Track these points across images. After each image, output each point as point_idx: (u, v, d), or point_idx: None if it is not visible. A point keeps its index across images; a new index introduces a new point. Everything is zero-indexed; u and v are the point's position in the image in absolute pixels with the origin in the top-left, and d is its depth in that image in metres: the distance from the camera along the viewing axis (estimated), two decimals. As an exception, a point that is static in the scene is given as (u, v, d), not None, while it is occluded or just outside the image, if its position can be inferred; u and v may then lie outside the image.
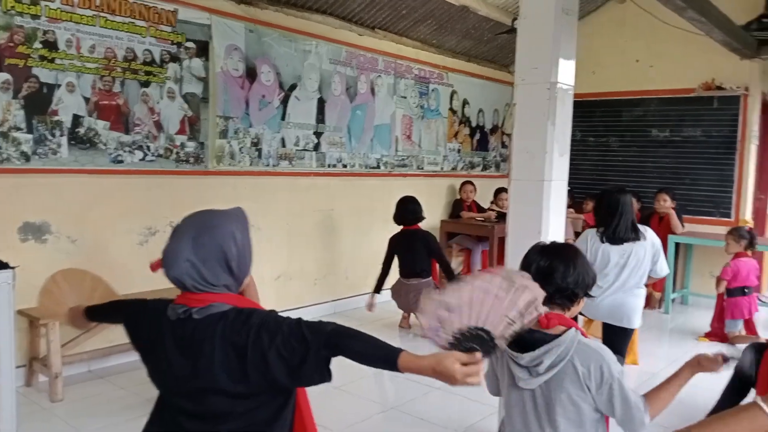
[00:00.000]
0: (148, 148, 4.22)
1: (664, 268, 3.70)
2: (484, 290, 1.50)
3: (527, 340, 2.01)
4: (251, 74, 4.80)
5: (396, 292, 5.09)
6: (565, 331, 2.00)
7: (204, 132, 4.52)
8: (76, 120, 3.87)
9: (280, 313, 1.53)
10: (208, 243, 1.48)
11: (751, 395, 3.10)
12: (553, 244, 2.17)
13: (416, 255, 4.96)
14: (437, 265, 5.21)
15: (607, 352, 2.06)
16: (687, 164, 6.66)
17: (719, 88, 6.38)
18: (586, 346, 2.01)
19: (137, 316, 1.66)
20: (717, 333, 5.02)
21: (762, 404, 0.89)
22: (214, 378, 1.44)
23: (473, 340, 1.44)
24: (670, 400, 2.12)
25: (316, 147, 5.35)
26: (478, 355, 1.39)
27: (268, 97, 4.93)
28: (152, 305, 1.64)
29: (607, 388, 1.98)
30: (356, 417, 3.43)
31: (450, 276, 5.00)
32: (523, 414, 2.09)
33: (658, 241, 3.67)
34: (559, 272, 2.00)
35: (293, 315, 1.54)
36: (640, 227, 3.65)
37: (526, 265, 2.08)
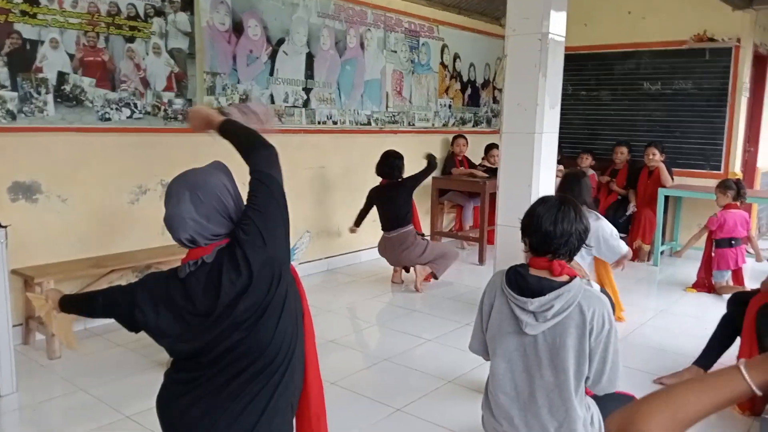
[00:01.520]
0: (136, 105, 4.17)
1: (608, 255, 3.68)
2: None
3: (535, 288, 2.06)
4: (238, 29, 4.71)
5: (382, 248, 5.13)
6: (571, 279, 2.06)
7: (191, 88, 4.46)
8: (62, 77, 3.80)
9: None
10: (206, 199, 1.55)
11: (738, 343, 3.18)
12: (561, 198, 2.20)
13: (394, 206, 4.99)
14: (417, 212, 5.31)
15: (608, 302, 2.12)
16: (678, 117, 6.65)
17: (711, 39, 6.33)
18: (591, 292, 2.08)
19: (128, 305, 1.64)
20: (704, 283, 5.11)
21: (743, 370, 0.86)
22: (233, 302, 1.53)
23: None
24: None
25: (306, 103, 5.30)
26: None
27: (255, 52, 4.85)
28: (149, 287, 1.65)
29: (605, 335, 2.05)
30: (350, 369, 3.50)
31: (430, 165, 5.15)
32: (524, 360, 2.15)
33: (606, 230, 3.63)
34: (578, 226, 2.07)
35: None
36: (593, 215, 3.53)
37: (537, 221, 2.10)
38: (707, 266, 5.08)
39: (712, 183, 5.56)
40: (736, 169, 6.42)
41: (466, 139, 6.72)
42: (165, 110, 4.32)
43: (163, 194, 4.28)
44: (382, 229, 5.07)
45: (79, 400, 3.08)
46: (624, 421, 0.91)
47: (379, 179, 5.12)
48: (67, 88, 3.84)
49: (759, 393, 0.82)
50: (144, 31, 4.16)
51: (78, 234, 3.95)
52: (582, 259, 3.48)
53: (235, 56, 4.71)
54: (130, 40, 4.10)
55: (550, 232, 2.05)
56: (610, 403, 2.18)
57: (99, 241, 4.05)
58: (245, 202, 1.62)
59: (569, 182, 3.69)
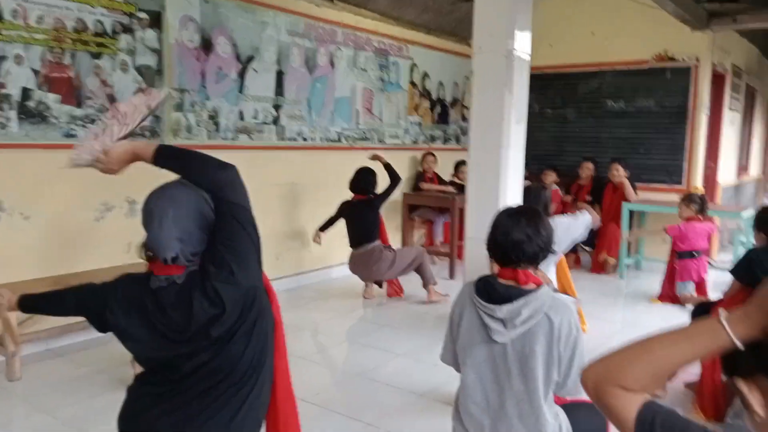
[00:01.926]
0: (102, 121, 4.11)
1: (581, 234, 3.72)
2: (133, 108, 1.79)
3: (504, 296, 2.08)
4: (207, 46, 4.71)
5: (353, 265, 5.13)
6: (538, 287, 2.09)
7: (159, 105, 4.42)
8: (26, 93, 3.75)
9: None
10: (187, 215, 1.53)
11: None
12: (524, 208, 2.25)
13: (363, 222, 5.02)
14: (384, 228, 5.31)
15: (575, 309, 2.16)
16: (641, 134, 6.83)
17: (671, 59, 6.55)
18: (559, 299, 2.12)
19: (99, 303, 1.64)
20: (668, 294, 5.22)
21: (725, 323, 0.84)
22: (204, 324, 1.52)
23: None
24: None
25: (276, 120, 5.31)
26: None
27: (225, 69, 4.85)
28: (121, 287, 1.64)
29: (573, 341, 2.08)
30: (320, 385, 3.47)
31: (394, 179, 5.12)
32: (493, 369, 2.17)
33: (563, 222, 3.63)
34: (543, 233, 2.11)
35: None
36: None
37: (502, 231, 2.13)
38: (671, 278, 5.19)
39: (675, 197, 5.70)
40: (698, 183, 6.60)
41: (434, 156, 6.79)
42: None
43: (129, 211, 4.21)
44: (351, 246, 5.08)
45: (41, 422, 2.99)
46: (601, 373, 0.91)
47: (352, 194, 5.14)
48: (32, 104, 3.78)
49: (740, 347, 0.82)
50: (111, 48, 4.13)
51: (41, 252, 3.87)
52: (546, 267, 3.54)
53: (204, 73, 4.70)
54: (97, 56, 4.07)
55: (513, 241, 2.08)
56: (579, 412, 2.20)
57: (63, 260, 3.96)
58: (217, 232, 1.56)
59: (529, 195, 3.75)
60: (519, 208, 2.24)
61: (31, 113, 3.78)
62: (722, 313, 0.85)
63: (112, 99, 4.15)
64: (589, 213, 3.77)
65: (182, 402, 1.56)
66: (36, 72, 3.78)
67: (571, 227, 3.64)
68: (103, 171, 1.66)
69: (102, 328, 1.65)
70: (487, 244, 2.20)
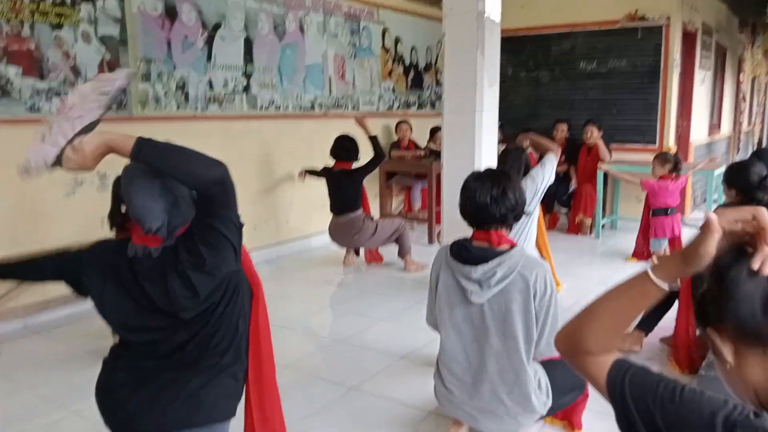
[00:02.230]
0: (66, 94, 4.00)
1: (549, 174, 3.70)
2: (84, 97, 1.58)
3: (478, 257, 2.11)
4: (171, 14, 4.58)
5: (332, 232, 5.11)
6: (512, 248, 2.12)
7: (126, 76, 4.31)
8: (-16, 67, 3.63)
9: None
10: (174, 188, 1.50)
11: (676, 305, 3.31)
12: (493, 171, 2.27)
13: (345, 191, 4.97)
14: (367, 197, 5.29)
15: (548, 267, 2.19)
16: (614, 95, 6.86)
17: (642, 18, 6.54)
18: (532, 258, 2.16)
19: (74, 267, 1.63)
20: (643, 252, 5.31)
21: (651, 275, 0.90)
22: (176, 298, 1.51)
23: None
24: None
25: (246, 89, 5.22)
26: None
27: (191, 37, 4.73)
28: (97, 252, 1.63)
29: (547, 299, 2.11)
30: (303, 352, 3.50)
31: (379, 156, 5.01)
32: (472, 329, 2.20)
33: (531, 176, 3.67)
34: (511, 195, 2.13)
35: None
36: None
37: (471, 194, 2.16)
38: (645, 234, 5.28)
39: (649, 157, 5.76)
40: (671, 143, 6.68)
41: (408, 123, 6.74)
42: (99, 99, 4.17)
43: (101, 185, 4.13)
44: (331, 211, 5.05)
45: (21, 398, 2.97)
46: (565, 345, 0.97)
47: (333, 162, 5.08)
48: (-8, 78, 3.66)
49: (668, 290, 0.89)
50: (71, 18, 3.99)
51: (11, 230, 3.79)
52: (527, 225, 3.57)
53: (170, 42, 4.58)
54: (58, 27, 3.93)
55: (479, 204, 2.12)
56: (557, 369, 2.25)
57: (34, 236, 3.88)
58: (197, 230, 1.51)
59: (508, 157, 3.75)
60: (486, 171, 2.26)
61: (-9, 87, 3.66)
62: (649, 264, 0.92)
63: (75, 71, 4.04)
64: (550, 149, 3.72)
65: (156, 378, 1.55)
66: (-6, 44, 3.65)
67: (535, 177, 3.62)
68: (75, 170, 1.50)
69: (81, 293, 1.64)
70: (459, 207, 2.22)
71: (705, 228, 0.87)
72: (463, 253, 2.17)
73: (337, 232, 5.08)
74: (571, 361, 0.97)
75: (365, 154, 5.00)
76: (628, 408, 0.86)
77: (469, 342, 2.23)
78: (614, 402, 0.89)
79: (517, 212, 2.17)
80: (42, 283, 1.74)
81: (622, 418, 0.87)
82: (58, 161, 1.47)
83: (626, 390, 0.87)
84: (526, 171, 3.71)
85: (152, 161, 1.44)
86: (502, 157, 3.80)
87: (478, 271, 2.10)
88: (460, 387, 2.27)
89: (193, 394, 1.52)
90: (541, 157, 3.73)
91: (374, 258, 5.29)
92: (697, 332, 3.14)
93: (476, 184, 2.16)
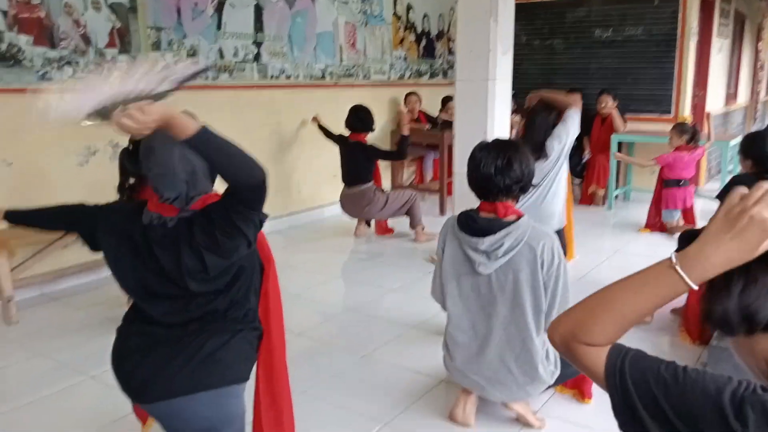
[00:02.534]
0: (78, 63, 4.00)
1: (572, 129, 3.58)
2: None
3: (485, 228, 2.10)
4: (182, -19, 4.53)
5: (343, 203, 5.12)
6: (518, 218, 2.11)
7: (135, 44, 4.29)
8: (-5, 35, 3.61)
9: None
10: (192, 157, 1.49)
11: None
12: (500, 141, 2.24)
13: (357, 164, 4.96)
14: (380, 169, 5.28)
15: (556, 237, 2.18)
16: (629, 64, 6.74)
17: (660, -16, 6.38)
18: (539, 228, 2.15)
19: (90, 223, 1.64)
20: (655, 223, 5.28)
21: (679, 269, 0.82)
22: (188, 270, 1.51)
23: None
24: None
25: (257, 58, 5.17)
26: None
27: (200, 5, 4.68)
28: (113, 211, 1.65)
29: (555, 268, 2.11)
30: (315, 321, 3.53)
31: (399, 155, 5.08)
32: (479, 299, 2.21)
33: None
34: (516, 165, 2.11)
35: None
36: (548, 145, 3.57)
37: (476, 165, 2.15)
38: (657, 206, 5.24)
39: (663, 127, 5.69)
40: (686, 112, 6.58)
41: (417, 95, 6.64)
42: (109, 68, 4.15)
43: (113, 155, 4.16)
44: (343, 182, 5.04)
45: (40, 364, 3.03)
46: (566, 333, 0.89)
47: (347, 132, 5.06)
48: (3, 46, 3.65)
49: (695, 288, 0.82)
50: (82, -15, 3.96)
51: (26, 199, 3.81)
52: (556, 180, 3.53)
53: (180, 10, 4.54)
54: (68, -6, 3.90)
55: (488, 175, 2.10)
56: None
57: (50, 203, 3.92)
58: (217, 218, 1.49)
59: (538, 118, 3.54)
60: (493, 141, 2.24)
61: (2, 56, 3.65)
62: (674, 256, 0.83)
63: (86, 39, 4.02)
64: (568, 104, 3.49)
65: (170, 347, 1.56)
66: (4, 13, 3.63)
67: (560, 135, 3.44)
68: (127, 129, 1.33)
69: (93, 247, 1.65)
70: (467, 178, 2.22)
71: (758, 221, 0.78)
72: (470, 224, 2.17)
73: (347, 203, 5.08)
74: (568, 351, 0.89)
75: (379, 125, 4.99)
76: (629, 393, 0.82)
77: (476, 312, 2.25)
78: (613, 388, 0.84)
79: (523, 184, 2.15)
80: (53, 231, 1.75)
81: (621, 406, 0.83)
82: (99, 115, 1.36)
83: (626, 374, 0.83)
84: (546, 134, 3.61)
85: (206, 152, 1.39)
86: (530, 117, 3.63)
87: (485, 242, 2.10)
88: (467, 356, 2.29)
89: (208, 356, 1.53)
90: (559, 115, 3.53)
91: (384, 230, 5.30)
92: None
93: (482, 154, 2.15)
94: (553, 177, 3.44)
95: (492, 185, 2.11)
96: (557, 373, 2.27)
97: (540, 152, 3.54)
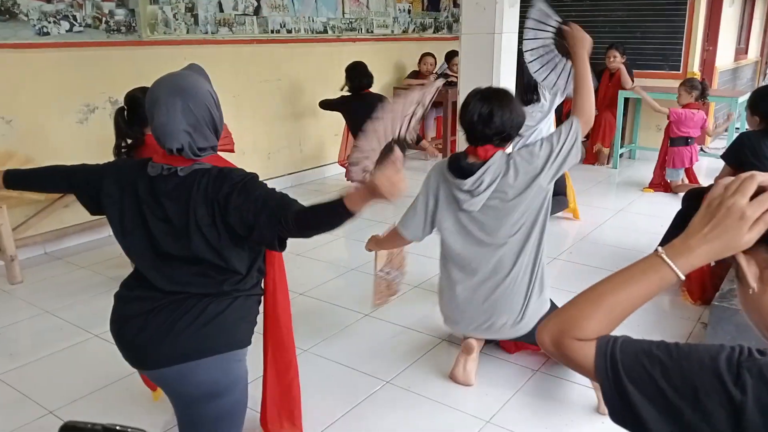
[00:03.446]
0: (75, 17, 3.91)
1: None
2: (388, 119, 1.64)
3: (467, 170, 2.22)
4: (179, -70, 4.38)
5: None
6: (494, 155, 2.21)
7: (133, -2, 4.19)
8: (-11, -12, 3.52)
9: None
10: (196, 109, 1.47)
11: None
12: (490, 89, 2.27)
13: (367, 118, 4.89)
14: None
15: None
16: (638, 18, 6.57)
17: (673, -68, 6.16)
18: (514, 153, 2.25)
19: (94, 180, 1.61)
20: (661, 182, 5.24)
21: (668, 260, 0.82)
22: (196, 227, 1.50)
23: (386, 152, 1.59)
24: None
25: (257, 11, 5.05)
26: (396, 154, 1.51)
27: (200, -44, 4.54)
28: (117, 167, 1.62)
29: (558, 144, 2.23)
30: (318, 280, 3.54)
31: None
32: (467, 236, 2.32)
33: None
34: (497, 116, 2.18)
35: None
36: (540, 91, 3.66)
37: (466, 111, 2.23)
38: (663, 165, 5.19)
39: (671, 83, 5.58)
40: (695, 68, 6.44)
41: (434, 57, 6.48)
42: (107, 22, 4.06)
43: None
44: (353, 135, 4.95)
45: (46, 322, 3.06)
46: (557, 331, 0.88)
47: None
48: (-3, 0, 3.56)
49: (683, 277, 0.82)
50: (75, -65, 3.83)
51: (26, 156, 3.79)
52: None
53: (178, -39, 4.41)
54: (61, -56, 3.78)
55: (473, 122, 2.18)
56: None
57: (51, 162, 3.89)
58: (234, 220, 1.49)
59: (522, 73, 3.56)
60: (485, 89, 2.28)
61: (-3, 10, 3.57)
62: (661, 250, 0.83)
63: (82, -8, 3.91)
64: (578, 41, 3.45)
65: (171, 311, 1.54)
66: (-3, -36, 3.53)
67: (555, 97, 3.68)
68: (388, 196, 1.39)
69: (95, 208, 1.63)
70: (459, 123, 2.32)
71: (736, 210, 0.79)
72: (456, 166, 2.27)
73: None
74: (558, 349, 0.87)
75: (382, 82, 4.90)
76: (620, 379, 0.80)
77: (470, 246, 2.32)
78: (605, 377, 0.82)
79: (504, 134, 2.21)
80: (54, 192, 1.73)
81: (612, 394, 0.81)
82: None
83: (618, 360, 0.81)
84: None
85: (333, 224, 1.50)
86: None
87: (467, 183, 2.20)
88: (467, 292, 2.36)
89: (210, 320, 1.52)
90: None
91: None
92: (711, 263, 3.13)
93: (472, 100, 2.22)
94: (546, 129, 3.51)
95: (476, 131, 2.20)
96: (548, 306, 2.37)
97: (532, 94, 3.62)
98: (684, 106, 4.96)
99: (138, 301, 1.57)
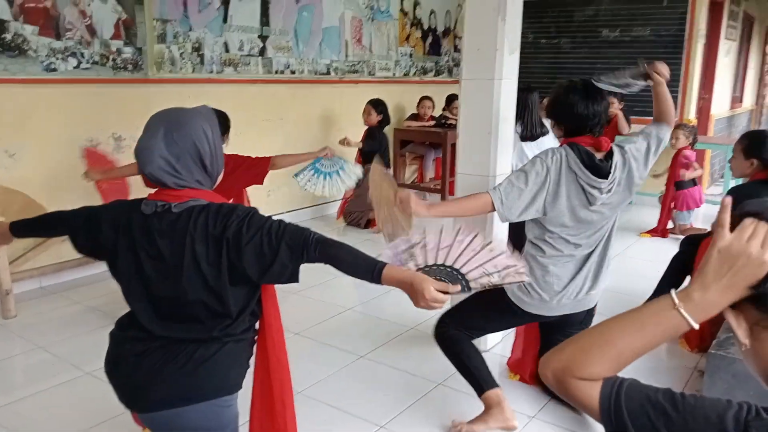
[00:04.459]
0: (83, 54, 3.98)
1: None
2: (457, 240, 1.56)
3: (602, 169, 2.25)
4: (188, -27, 4.50)
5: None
6: (611, 151, 2.31)
7: (141, 36, 4.27)
8: (2, 25, 3.60)
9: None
10: (180, 139, 1.47)
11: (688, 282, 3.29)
12: (583, 82, 2.39)
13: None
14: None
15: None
16: (635, 64, 6.69)
17: (669, -15, 6.34)
18: (620, 142, 2.42)
19: (93, 223, 1.60)
20: (659, 229, 5.26)
21: (681, 308, 0.81)
22: (193, 265, 1.47)
23: (442, 274, 1.52)
24: None
25: (262, 52, 5.15)
26: (454, 287, 1.49)
27: (208, -2, 4.66)
28: (113, 208, 1.62)
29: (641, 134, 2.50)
30: (314, 319, 3.52)
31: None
32: (593, 227, 2.34)
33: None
34: (602, 103, 2.32)
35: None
36: (545, 122, 3.75)
37: (570, 108, 2.29)
38: (670, 210, 5.22)
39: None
40: (691, 115, 6.54)
41: (432, 101, 6.58)
42: (113, 59, 4.14)
43: (116, 147, 4.15)
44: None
45: (38, 357, 3.03)
46: (560, 368, 0.87)
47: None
48: (8, 36, 3.63)
49: (697, 327, 0.82)
50: (87, -24, 3.94)
51: (28, 190, 3.82)
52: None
53: (186, 2, 4.52)
54: (73, -16, 3.88)
55: (585, 114, 2.26)
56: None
57: (51, 197, 3.91)
58: (248, 259, 1.48)
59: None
60: (580, 82, 2.39)
61: (8, 46, 3.64)
62: (675, 297, 0.83)
63: (91, 30, 4.00)
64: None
65: (164, 353, 1.53)
66: (10, 2, 3.62)
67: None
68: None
69: (90, 253, 1.64)
70: (554, 119, 2.40)
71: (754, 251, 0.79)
72: (591, 163, 2.26)
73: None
74: (561, 386, 0.87)
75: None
76: (624, 424, 0.80)
77: (587, 234, 2.33)
78: (608, 421, 0.82)
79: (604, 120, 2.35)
80: (58, 236, 1.76)
81: None
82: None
83: (622, 405, 0.81)
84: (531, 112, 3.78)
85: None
86: (519, 99, 3.68)
87: (605, 183, 2.24)
88: (570, 281, 2.38)
89: (198, 366, 1.50)
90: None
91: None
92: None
93: (575, 96, 2.29)
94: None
95: (595, 122, 2.28)
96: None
97: (540, 128, 3.74)
98: (679, 150, 5.03)
99: (131, 341, 1.55)
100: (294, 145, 5.54)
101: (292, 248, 1.47)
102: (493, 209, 2.26)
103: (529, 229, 2.42)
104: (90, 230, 1.61)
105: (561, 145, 2.35)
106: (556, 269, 2.36)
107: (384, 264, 1.47)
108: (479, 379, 2.40)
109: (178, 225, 1.48)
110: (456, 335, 2.44)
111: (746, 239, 0.79)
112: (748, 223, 0.80)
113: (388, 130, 6.40)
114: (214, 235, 1.47)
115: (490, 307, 2.45)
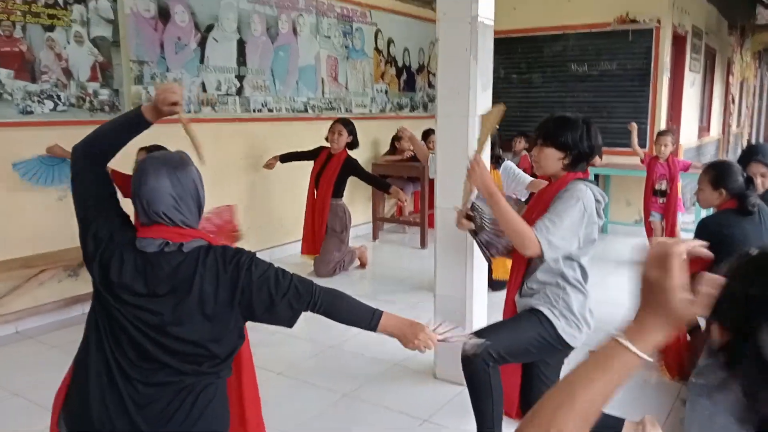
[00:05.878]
0: (59, 97, 3.98)
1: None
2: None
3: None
4: (164, 15, 4.55)
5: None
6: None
7: (118, 78, 4.29)
8: (-25, 69, 3.59)
9: None
10: (184, 180, 1.53)
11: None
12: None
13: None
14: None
15: None
16: (604, 98, 6.90)
17: (633, 21, 6.59)
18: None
19: (113, 235, 1.57)
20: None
21: (630, 346, 0.82)
22: (199, 302, 1.49)
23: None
24: None
25: (239, 91, 5.20)
26: (451, 334, 1.80)
27: (183, 39, 4.71)
28: (122, 227, 1.60)
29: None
30: (295, 358, 3.49)
31: (383, 187, 5.36)
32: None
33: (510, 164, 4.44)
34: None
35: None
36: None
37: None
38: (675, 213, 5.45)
39: (638, 161, 5.81)
40: (660, 146, 6.72)
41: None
42: (90, 101, 4.15)
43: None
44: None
45: (14, 404, 2.95)
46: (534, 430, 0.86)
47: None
48: (-18, 80, 3.63)
49: (651, 360, 0.83)
50: (64, 19, 3.96)
51: (4, 233, 3.76)
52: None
53: (163, 44, 4.56)
54: (50, 28, 3.90)
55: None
56: None
57: (27, 240, 3.87)
58: (274, 295, 1.58)
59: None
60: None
61: (-18, 90, 3.63)
62: (620, 335, 0.84)
63: (68, 73, 4.01)
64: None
65: (147, 395, 1.52)
66: (-15, 46, 3.62)
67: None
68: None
69: (95, 244, 1.59)
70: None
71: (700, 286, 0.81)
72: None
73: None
74: None
75: (360, 160, 5.04)
76: None
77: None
78: None
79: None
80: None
81: None
82: None
83: None
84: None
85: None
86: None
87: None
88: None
89: (191, 412, 1.50)
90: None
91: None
92: (688, 338, 3.17)
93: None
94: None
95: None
96: None
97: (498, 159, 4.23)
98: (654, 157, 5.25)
99: (102, 376, 1.56)
100: (273, 184, 5.57)
101: (298, 300, 1.57)
102: (541, 252, 2.26)
103: (567, 265, 2.40)
104: (113, 222, 1.60)
105: (573, 180, 2.46)
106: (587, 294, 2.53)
107: (380, 316, 1.62)
108: (492, 428, 2.34)
109: (185, 266, 1.50)
110: (495, 380, 2.33)
111: (651, 267, 0.83)
112: (658, 251, 0.83)
113: (366, 164, 6.47)
114: (225, 278, 1.51)
115: (532, 348, 2.35)
